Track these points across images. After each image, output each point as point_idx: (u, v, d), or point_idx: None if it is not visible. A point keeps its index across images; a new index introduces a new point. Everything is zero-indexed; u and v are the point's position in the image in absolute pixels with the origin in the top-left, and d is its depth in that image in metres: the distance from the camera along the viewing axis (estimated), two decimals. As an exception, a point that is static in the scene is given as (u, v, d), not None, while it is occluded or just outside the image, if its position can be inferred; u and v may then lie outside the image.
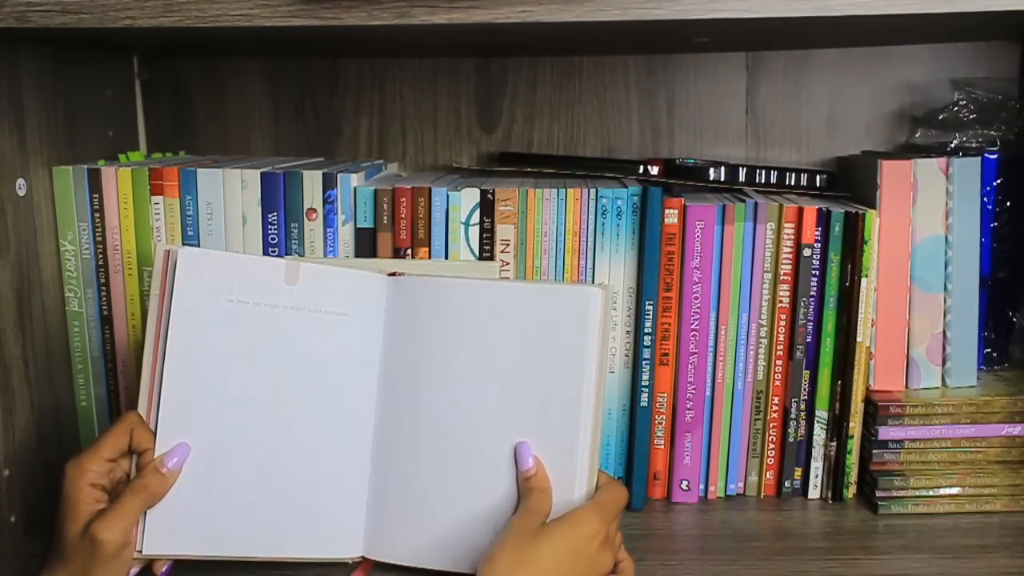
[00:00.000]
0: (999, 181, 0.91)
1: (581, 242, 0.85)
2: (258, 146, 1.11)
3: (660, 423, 0.87)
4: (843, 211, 0.85)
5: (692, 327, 0.86)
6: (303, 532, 0.75)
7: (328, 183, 0.85)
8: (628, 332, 0.87)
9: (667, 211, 0.84)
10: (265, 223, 0.85)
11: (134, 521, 0.70)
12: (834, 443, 0.88)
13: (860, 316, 0.85)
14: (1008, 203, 0.92)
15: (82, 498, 0.68)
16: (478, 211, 0.84)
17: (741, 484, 0.90)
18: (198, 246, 0.86)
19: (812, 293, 0.86)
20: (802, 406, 0.88)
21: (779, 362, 0.87)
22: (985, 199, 0.89)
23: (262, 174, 0.85)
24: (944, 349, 0.89)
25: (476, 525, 0.73)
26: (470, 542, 0.73)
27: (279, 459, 0.75)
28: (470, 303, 0.74)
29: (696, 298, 0.86)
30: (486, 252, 0.85)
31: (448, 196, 0.84)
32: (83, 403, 0.90)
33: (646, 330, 0.85)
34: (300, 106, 1.10)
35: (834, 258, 0.85)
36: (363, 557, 0.76)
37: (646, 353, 0.85)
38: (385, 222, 0.85)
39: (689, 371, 0.87)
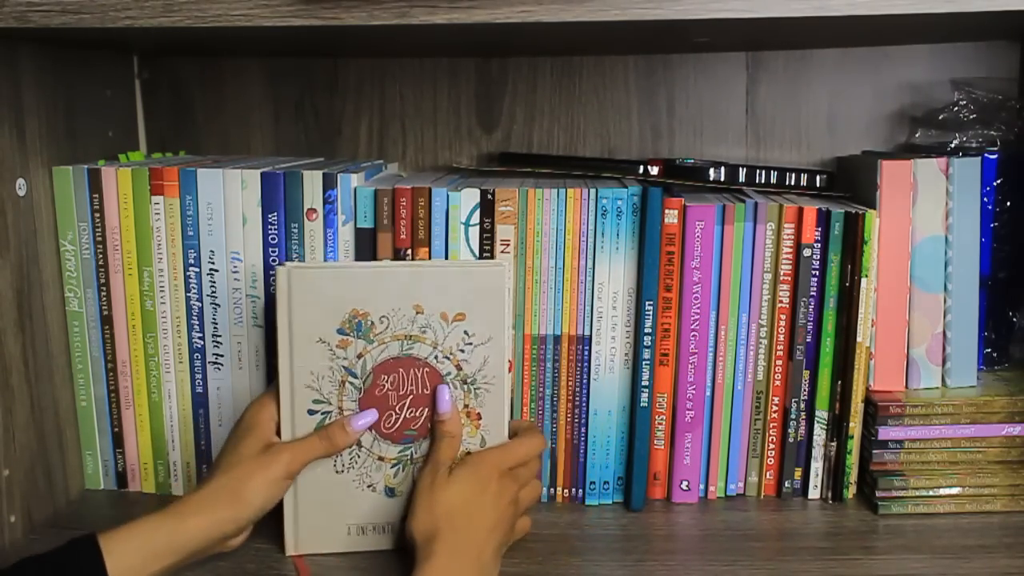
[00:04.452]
0: (999, 181, 0.91)
1: (581, 242, 0.85)
2: (258, 146, 1.11)
3: (660, 423, 0.87)
4: (843, 211, 0.85)
5: (692, 327, 0.86)
6: None
7: (328, 183, 0.85)
8: (628, 332, 0.86)
9: (667, 211, 0.84)
10: (265, 223, 0.85)
11: (311, 459, 0.76)
12: (834, 443, 0.88)
13: (860, 316, 0.85)
14: (1008, 203, 0.92)
15: (265, 424, 0.76)
16: (478, 211, 0.84)
17: (741, 484, 0.90)
18: (197, 246, 0.86)
19: (812, 293, 0.86)
20: (802, 406, 0.88)
21: (779, 362, 0.87)
22: (985, 199, 0.89)
23: (262, 174, 0.85)
24: (944, 349, 0.89)
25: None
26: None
27: None
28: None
29: (696, 298, 0.86)
30: (486, 252, 0.85)
31: (448, 196, 0.84)
32: (83, 403, 0.90)
33: (646, 330, 0.85)
34: (300, 106, 1.10)
35: (834, 258, 0.85)
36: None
37: (646, 353, 0.85)
38: (385, 222, 0.85)
39: (689, 371, 0.87)
